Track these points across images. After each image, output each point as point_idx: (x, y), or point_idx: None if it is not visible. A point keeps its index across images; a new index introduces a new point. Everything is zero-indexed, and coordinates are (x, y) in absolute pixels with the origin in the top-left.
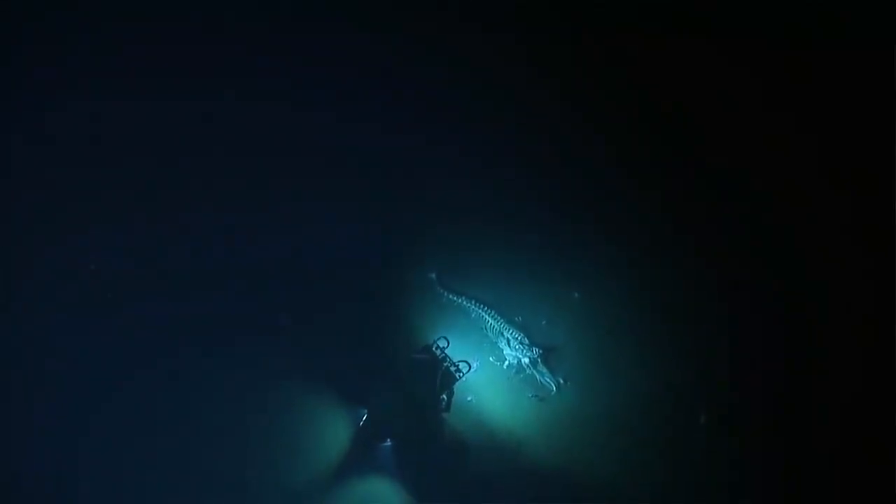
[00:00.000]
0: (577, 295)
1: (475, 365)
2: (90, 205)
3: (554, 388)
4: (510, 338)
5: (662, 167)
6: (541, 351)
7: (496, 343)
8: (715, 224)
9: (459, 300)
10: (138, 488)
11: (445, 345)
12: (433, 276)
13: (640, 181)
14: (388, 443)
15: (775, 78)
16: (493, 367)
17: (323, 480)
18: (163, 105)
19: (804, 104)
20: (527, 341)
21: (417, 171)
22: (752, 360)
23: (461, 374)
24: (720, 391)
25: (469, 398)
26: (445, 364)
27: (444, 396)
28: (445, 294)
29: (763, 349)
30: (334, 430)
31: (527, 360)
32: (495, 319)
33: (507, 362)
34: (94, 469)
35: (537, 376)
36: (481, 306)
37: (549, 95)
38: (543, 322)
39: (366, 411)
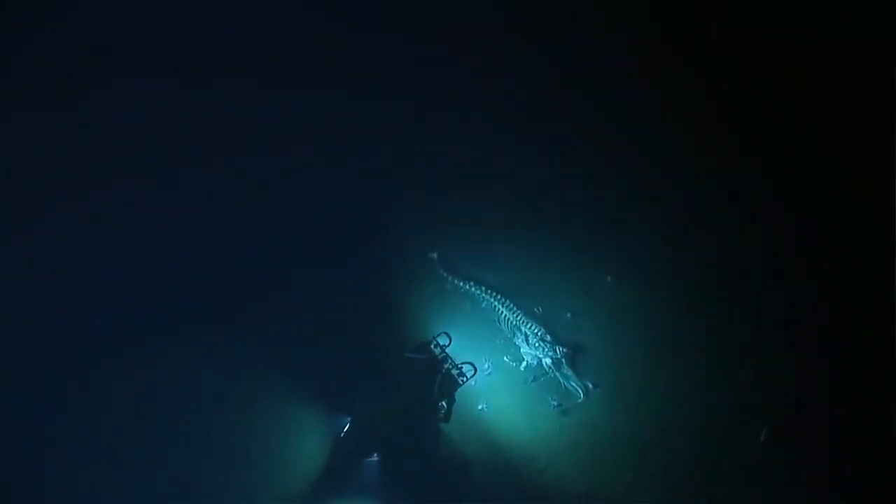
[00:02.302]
0: (609, 280)
1: (487, 366)
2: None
3: (581, 395)
4: (528, 333)
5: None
6: (565, 350)
7: (512, 340)
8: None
9: (467, 286)
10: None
11: (447, 342)
12: (434, 255)
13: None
14: (375, 458)
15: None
16: (507, 369)
17: (297, 501)
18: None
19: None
20: (549, 338)
21: (421, 130)
22: (817, 363)
23: (465, 379)
24: (781, 400)
25: (480, 406)
26: (446, 366)
27: (444, 404)
28: (449, 278)
29: (827, 352)
30: (310, 442)
31: (549, 360)
32: (511, 311)
33: (524, 363)
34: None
35: (561, 380)
36: (494, 294)
37: (586, 64)
38: (568, 314)
39: (348, 420)
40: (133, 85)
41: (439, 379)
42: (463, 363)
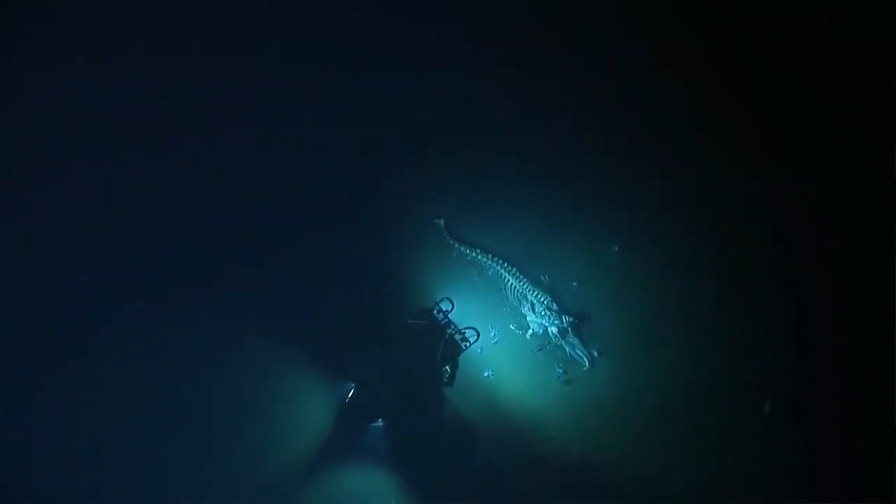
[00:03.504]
0: (616, 249)
1: (493, 334)
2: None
3: (587, 363)
4: (535, 302)
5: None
6: (572, 318)
7: (518, 308)
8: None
9: (473, 254)
10: (100, 462)
11: (449, 308)
12: (441, 222)
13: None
14: (379, 423)
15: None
16: (513, 337)
17: (301, 468)
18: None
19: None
20: (555, 306)
21: (428, 96)
22: (824, 338)
23: (468, 344)
24: (786, 374)
25: (486, 373)
26: (449, 331)
27: (447, 369)
28: (456, 245)
29: (834, 326)
30: (315, 408)
31: (555, 329)
32: (517, 279)
33: (530, 331)
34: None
35: (567, 349)
36: (500, 262)
37: (600, 37)
38: (575, 283)
39: (352, 386)
40: (120, 52)
41: (442, 344)
42: (466, 328)
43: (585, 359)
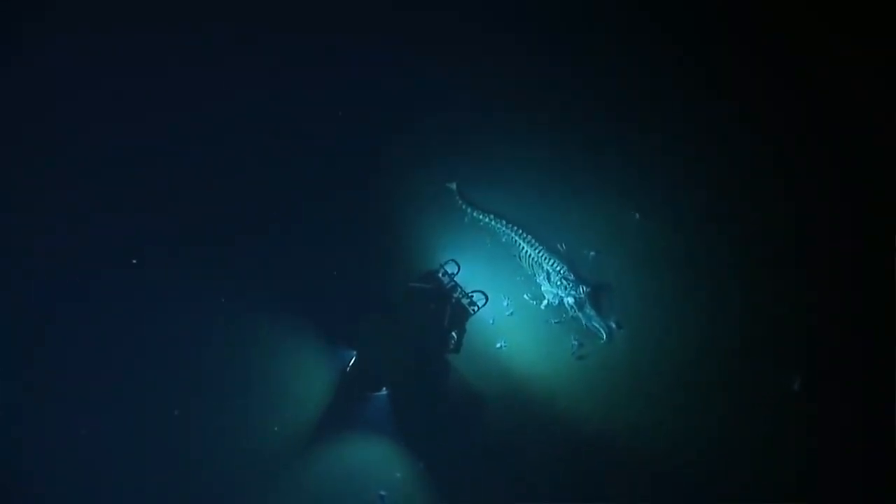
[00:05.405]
0: (637, 217)
1: (506, 304)
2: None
3: (604, 335)
4: (551, 271)
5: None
6: (588, 289)
7: (533, 277)
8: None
9: (487, 219)
10: (98, 436)
11: (455, 270)
12: (453, 185)
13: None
14: (382, 392)
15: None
16: (527, 308)
17: (301, 440)
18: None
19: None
20: (571, 276)
21: (442, 55)
22: (844, 316)
23: (476, 308)
24: (804, 351)
25: (499, 345)
26: (455, 295)
27: (454, 335)
28: (468, 210)
29: (855, 304)
30: (315, 377)
31: (571, 299)
32: (532, 247)
33: (545, 302)
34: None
35: (583, 320)
36: (515, 229)
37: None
38: (592, 252)
39: (353, 354)
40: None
41: (449, 308)
42: (473, 291)
43: (603, 331)
